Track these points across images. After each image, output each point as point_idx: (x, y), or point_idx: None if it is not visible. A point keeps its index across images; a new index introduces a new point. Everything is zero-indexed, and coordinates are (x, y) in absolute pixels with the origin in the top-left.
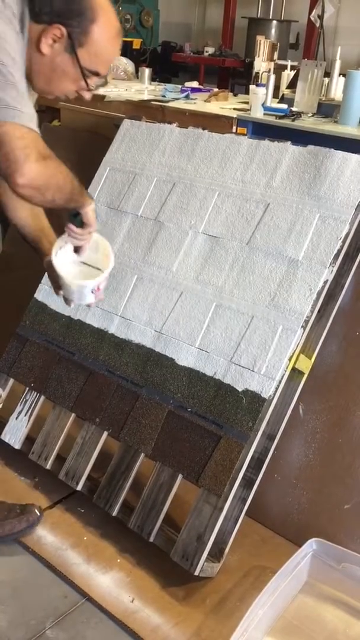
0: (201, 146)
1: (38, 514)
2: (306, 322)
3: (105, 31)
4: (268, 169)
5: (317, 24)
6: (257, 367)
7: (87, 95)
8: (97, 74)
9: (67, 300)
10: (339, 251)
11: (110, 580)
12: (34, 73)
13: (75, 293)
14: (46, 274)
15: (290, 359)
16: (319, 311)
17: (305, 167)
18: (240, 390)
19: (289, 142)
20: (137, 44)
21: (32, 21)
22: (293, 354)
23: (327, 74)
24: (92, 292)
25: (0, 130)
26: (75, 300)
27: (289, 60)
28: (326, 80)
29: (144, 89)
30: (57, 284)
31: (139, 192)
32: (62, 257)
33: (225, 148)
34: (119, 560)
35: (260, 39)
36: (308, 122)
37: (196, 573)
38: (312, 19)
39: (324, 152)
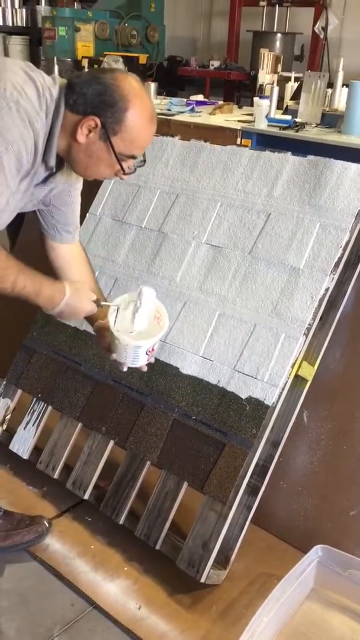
0: (203, 158)
1: (47, 525)
2: (308, 329)
3: (138, 118)
4: (269, 179)
5: (321, 36)
6: (260, 375)
7: (125, 178)
8: (133, 157)
9: (119, 364)
10: (340, 259)
11: (117, 588)
12: (72, 159)
13: (130, 355)
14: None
15: (292, 366)
16: (321, 319)
17: (305, 177)
18: (243, 397)
19: (289, 153)
20: (143, 59)
21: (68, 110)
22: (295, 361)
23: (331, 84)
24: (146, 353)
25: None
26: (129, 363)
27: (293, 72)
28: (330, 91)
29: None
30: (109, 346)
31: (143, 204)
32: (119, 322)
33: (226, 159)
34: (125, 568)
35: (263, 51)
36: (312, 133)
37: (202, 580)
38: (316, 30)
39: (324, 162)
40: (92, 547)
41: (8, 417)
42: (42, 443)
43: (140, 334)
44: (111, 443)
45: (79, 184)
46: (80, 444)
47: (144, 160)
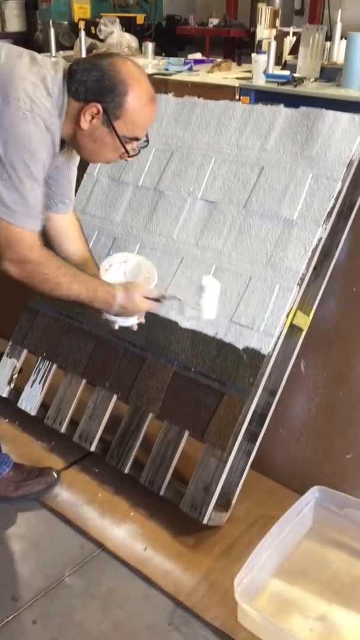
0: (197, 114)
1: (56, 475)
2: (302, 279)
3: (138, 101)
4: (262, 132)
5: None
6: (256, 325)
7: (130, 159)
8: (136, 139)
9: (110, 322)
10: (332, 209)
11: (124, 532)
12: (77, 144)
13: None
14: None
15: (287, 316)
16: (315, 269)
17: (297, 129)
18: (240, 348)
19: (282, 105)
20: (140, 19)
21: (71, 98)
22: (290, 310)
23: (330, 38)
24: None
25: None
26: (119, 321)
27: (293, 27)
28: (328, 44)
29: (148, 63)
30: None
31: (139, 162)
32: (108, 278)
33: (220, 114)
34: (132, 514)
35: (261, 6)
36: (310, 87)
37: (204, 522)
38: None
39: (316, 113)
40: (100, 495)
41: (15, 376)
42: (49, 400)
43: None
44: (114, 397)
45: (77, 159)
46: (85, 399)
47: (147, 141)
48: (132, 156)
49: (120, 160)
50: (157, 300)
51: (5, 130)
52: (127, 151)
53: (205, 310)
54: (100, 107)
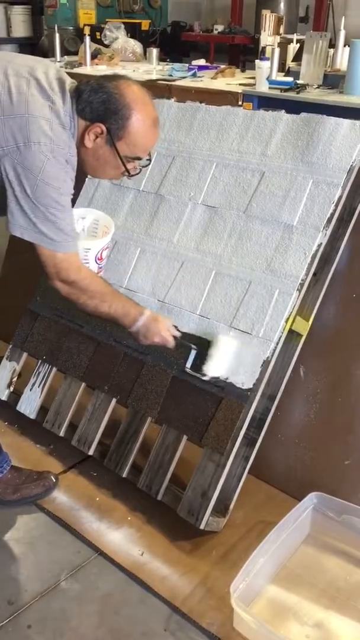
0: (199, 119)
1: (54, 479)
2: (301, 284)
3: (140, 124)
4: (263, 138)
5: None
6: (255, 331)
7: (131, 178)
8: (138, 159)
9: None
10: (332, 215)
11: (121, 536)
12: (81, 160)
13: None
14: None
15: (286, 321)
16: (315, 274)
17: (298, 135)
18: None
19: (283, 111)
20: (145, 25)
21: (78, 116)
22: (289, 316)
23: (334, 45)
24: (96, 261)
25: (37, 250)
26: None
27: (297, 34)
28: (332, 51)
29: (152, 69)
30: None
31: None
32: None
33: (221, 120)
34: (129, 518)
35: (265, 13)
36: (313, 94)
37: (202, 527)
38: None
39: (317, 119)
40: (97, 499)
41: (15, 379)
42: (48, 403)
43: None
44: (113, 401)
45: None
46: (84, 403)
47: (150, 160)
48: (133, 175)
49: (122, 177)
50: (174, 338)
51: (32, 174)
52: (127, 170)
53: (212, 365)
54: (104, 127)
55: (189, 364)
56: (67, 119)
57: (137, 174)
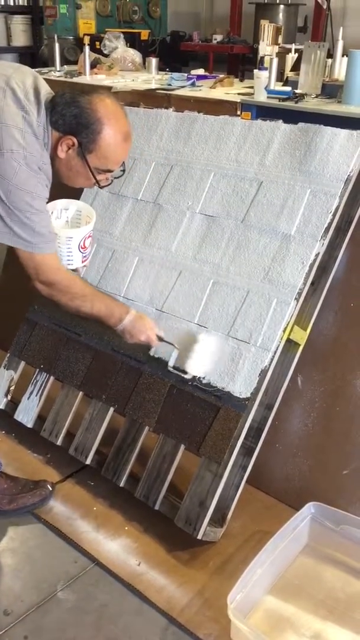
0: (197, 129)
1: (50, 488)
2: (299, 294)
3: (111, 138)
4: (261, 147)
5: (324, 6)
6: (252, 340)
7: (102, 189)
8: (109, 171)
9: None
10: (330, 224)
11: (118, 546)
12: (55, 169)
13: (64, 251)
14: None
15: (284, 331)
16: (312, 284)
17: (296, 144)
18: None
19: (281, 121)
20: (145, 35)
21: (52, 127)
22: (287, 325)
23: (332, 55)
24: (79, 249)
25: (17, 253)
26: (64, 261)
27: (295, 44)
28: (330, 61)
29: (151, 78)
30: None
31: (139, 176)
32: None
33: (219, 129)
34: (126, 528)
35: (264, 23)
36: (311, 104)
37: (199, 537)
38: (319, 1)
39: (314, 129)
40: (95, 509)
41: (12, 388)
42: (45, 412)
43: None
44: (111, 410)
45: None
46: (82, 411)
47: (124, 171)
48: (104, 186)
49: (94, 186)
50: (159, 338)
51: (5, 180)
52: (97, 182)
53: (193, 364)
54: (75, 140)
55: (171, 363)
56: (41, 129)
57: (109, 184)
